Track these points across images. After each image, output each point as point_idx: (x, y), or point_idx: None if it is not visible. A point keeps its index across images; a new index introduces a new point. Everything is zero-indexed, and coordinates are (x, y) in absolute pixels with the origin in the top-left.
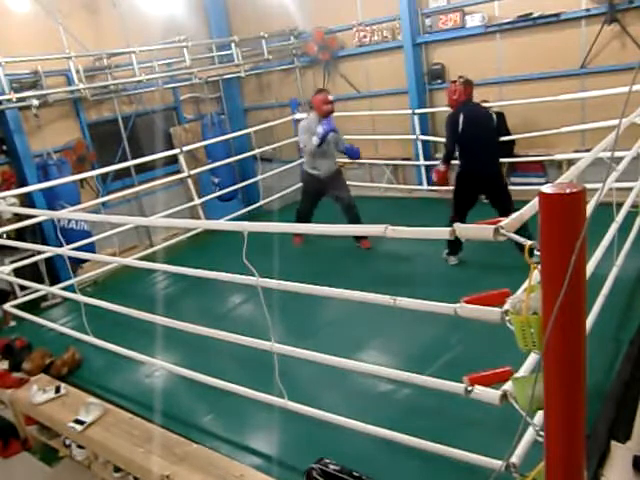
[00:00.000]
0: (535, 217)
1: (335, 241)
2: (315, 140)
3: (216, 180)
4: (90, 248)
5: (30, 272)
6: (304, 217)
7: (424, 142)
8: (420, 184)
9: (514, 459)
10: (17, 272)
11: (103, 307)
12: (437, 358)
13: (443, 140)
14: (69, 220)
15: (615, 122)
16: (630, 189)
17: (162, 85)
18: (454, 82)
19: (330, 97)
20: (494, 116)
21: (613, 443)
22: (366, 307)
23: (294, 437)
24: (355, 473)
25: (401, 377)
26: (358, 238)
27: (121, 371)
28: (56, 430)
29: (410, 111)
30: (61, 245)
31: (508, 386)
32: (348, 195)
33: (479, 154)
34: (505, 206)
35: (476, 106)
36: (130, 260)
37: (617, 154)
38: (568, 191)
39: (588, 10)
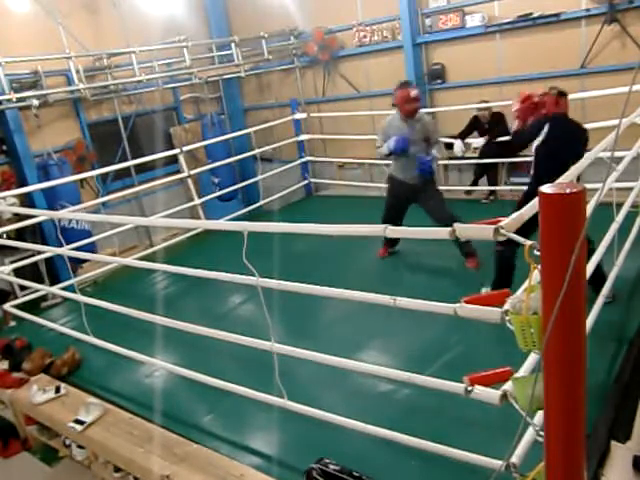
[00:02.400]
0: None
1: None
2: (385, 150)
3: (216, 180)
4: (91, 248)
5: (30, 272)
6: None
7: None
8: None
9: (514, 459)
10: (17, 272)
11: (103, 307)
12: (437, 358)
13: (443, 140)
14: (70, 220)
15: (615, 122)
16: (630, 189)
17: (162, 85)
18: (545, 94)
19: (414, 92)
20: (587, 136)
21: (613, 443)
22: (366, 307)
23: (294, 437)
24: (355, 473)
25: (401, 377)
26: (465, 255)
27: (121, 371)
28: (56, 430)
29: None
30: (61, 245)
31: (508, 386)
32: (441, 209)
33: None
34: None
35: (568, 122)
36: (130, 260)
37: (617, 154)
38: (568, 191)
39: (588, 10)
